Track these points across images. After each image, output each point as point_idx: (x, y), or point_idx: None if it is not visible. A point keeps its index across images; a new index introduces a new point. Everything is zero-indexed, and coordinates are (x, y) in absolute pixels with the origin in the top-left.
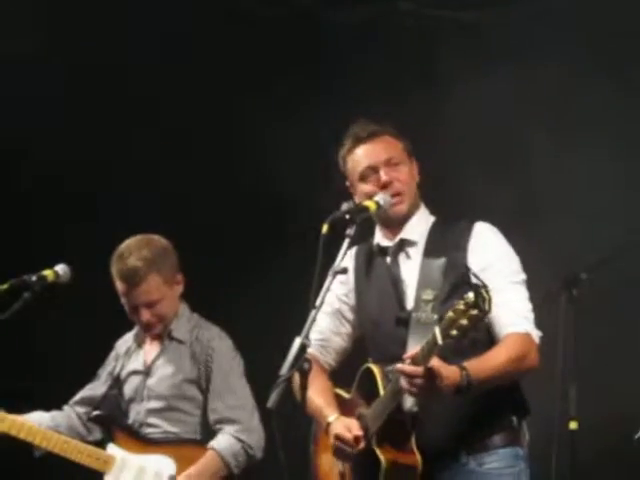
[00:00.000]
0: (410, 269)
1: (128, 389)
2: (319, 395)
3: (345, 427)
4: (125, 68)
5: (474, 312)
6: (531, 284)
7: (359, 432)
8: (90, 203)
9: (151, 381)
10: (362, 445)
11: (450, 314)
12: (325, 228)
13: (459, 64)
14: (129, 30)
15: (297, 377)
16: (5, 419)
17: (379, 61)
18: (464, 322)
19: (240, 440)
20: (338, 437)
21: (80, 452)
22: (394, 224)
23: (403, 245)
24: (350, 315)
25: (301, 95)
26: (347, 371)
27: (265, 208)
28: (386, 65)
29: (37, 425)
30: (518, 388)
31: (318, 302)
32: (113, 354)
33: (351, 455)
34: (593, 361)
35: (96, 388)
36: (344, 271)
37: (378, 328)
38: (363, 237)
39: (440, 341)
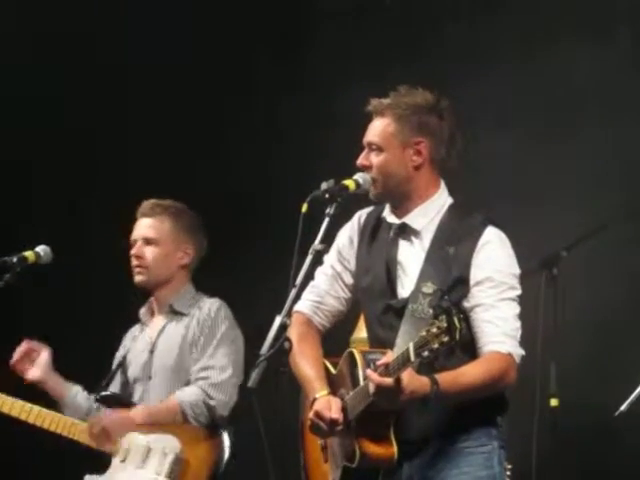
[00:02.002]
0: (410, 255)
1: (134, 369)
2: (310, 365)
3: (326, 406)
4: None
5: (445, 338)
6: None
7: (337, 415)
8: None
9: (156, 356)
10: (339, 428)
11: (423, 334)
12: (305, 207)
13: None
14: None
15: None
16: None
17: (365, 48)
18: (435, 345)
19: (204, 392)
20: (317, 414)
21: (83, 432)
22: (392, 202)
23: (405, 229)
24: (349, 280)
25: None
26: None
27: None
28: (371, 51)
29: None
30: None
31: (298, 281)
32: (121, 346)
33: (326, 434)
34: (573, 338)
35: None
36: (324, 250)
37: (369, 307)
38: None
39: (413, 359)
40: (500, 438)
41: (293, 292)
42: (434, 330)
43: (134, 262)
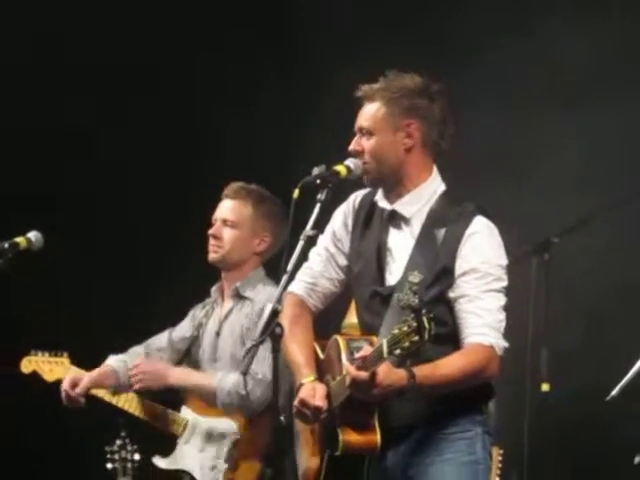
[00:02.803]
0: (399, 242)
1: (202, 350)
2: (300, 350)
3: (311, 393)
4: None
5: (415, 338)
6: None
7: (320, 403)
8: None
9: (221, 340)
10: (324, 416)
11: (395, 332)
12: (296, 193)
13: None
14: None
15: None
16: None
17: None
18: (406, 344)
19: (244, 384)
20: (302, 401)
21: (157, 415)
22: (385, 187)
23: (395, 216)
24: (343, 261)
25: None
26: None
27: None
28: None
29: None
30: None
31: (289, 267)
32: (188, 317)
33: (311, 421)
34: (564, 324)
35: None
36: (316, 236)
37: (358, 292)
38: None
39: (385, 355)
40: (484, 424)
41: (285, 278)
42: (405, 329)
43: (211, 241)
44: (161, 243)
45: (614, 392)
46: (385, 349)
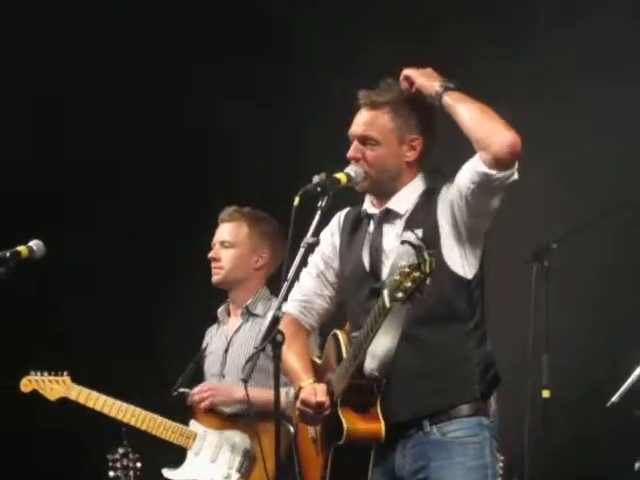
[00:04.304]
0: (393, 241)
1: (209, 366)
2: (297, 359)
3: (311, 392)
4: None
5: (416, 274)
6: (503, 255)
7: (323, 398)
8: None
9: (230, 355)
10: (327, 412)
11: (396, 277)
12: (296, 200)
13: None
14: None
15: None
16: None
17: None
18: (408, 284)
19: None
20: (303, 401)
21: (165, 429)
22: (378, 194)
23: (389, 215)
24: (333, 279)
25: None
26: None
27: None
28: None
29: None
30: (489, 361)
31: (290, 275)
32: (203, 343)
33: (315, 420)
34: (564, 330)
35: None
36: (316, 243)
37: (354, 297)
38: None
39: (388, 304)
40: (491, 428)
41: (285, 285)
42: (406, 269)
43: (212, 264)
44: (166, 265)
45: (614, 398)
46: (387, 299)
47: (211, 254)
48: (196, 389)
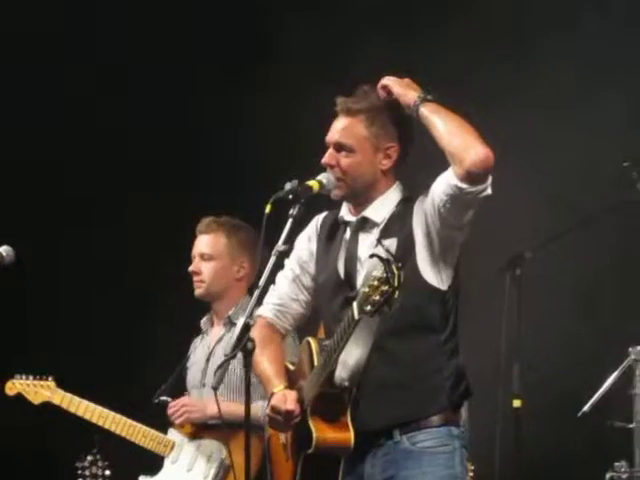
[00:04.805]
0: (368, 248)
1: (191, 375)
2: (269, 363)
3: (282, 399)
4: None
5: (384, 288)
6: (476, 264)
7: (292, 406)
8: None
9: (211, 365)
10: (297, 419)
11: (364, 289)
12: (268, 208)
13: None
14: None
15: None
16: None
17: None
18: (376, 298)
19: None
20: (273, 408)
21: (144, 436)
22: (354, 202)
23: (365, 223)
24: (309, 283)
25: None
26: None
27: None
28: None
29: None
30: (460, 373)
31: (261, 282)
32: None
33: (285, 427)
34: (536, 339)
35: None
36: (288, 251)
37: (328, 304)
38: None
39: (357, 316)
40: (461, 437)
41: (256, 293)
42: (375, 283)
43: (193, 277)
44: (152, 276)
45: (585, 408)
46: (355, 311)
47: (191, 267)
48: (172, 404)
